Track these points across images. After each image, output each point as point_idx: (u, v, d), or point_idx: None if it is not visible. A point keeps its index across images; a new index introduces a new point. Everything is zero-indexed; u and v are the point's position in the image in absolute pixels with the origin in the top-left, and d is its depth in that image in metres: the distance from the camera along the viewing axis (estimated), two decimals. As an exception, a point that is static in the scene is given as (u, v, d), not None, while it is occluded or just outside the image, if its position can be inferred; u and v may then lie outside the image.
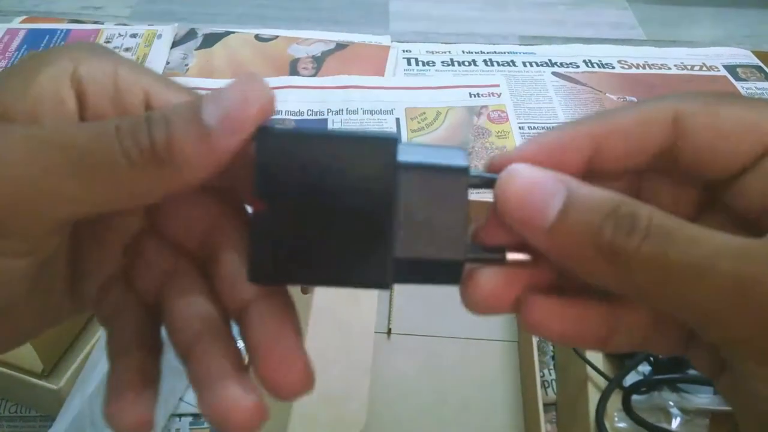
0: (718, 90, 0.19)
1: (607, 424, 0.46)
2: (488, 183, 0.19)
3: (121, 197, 0.17)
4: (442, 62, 0.82)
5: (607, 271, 0.16)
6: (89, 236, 0.21)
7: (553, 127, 0.19)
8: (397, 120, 0.72)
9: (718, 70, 0.83)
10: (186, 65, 0.79)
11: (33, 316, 0.20)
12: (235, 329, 0.20)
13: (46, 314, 0.21)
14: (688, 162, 0.19)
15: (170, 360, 0.46)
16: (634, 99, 0.77)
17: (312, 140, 0.18)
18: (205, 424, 0.46)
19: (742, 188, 0.18)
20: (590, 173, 0.19)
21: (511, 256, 0.19)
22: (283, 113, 0.72)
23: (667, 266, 0.16)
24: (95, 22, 0.87)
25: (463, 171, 0.18)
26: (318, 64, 0.80)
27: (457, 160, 0.19)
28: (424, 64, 0.82)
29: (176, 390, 0.46)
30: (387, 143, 0.18)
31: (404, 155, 0.18)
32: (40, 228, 0.17)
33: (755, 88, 0.80)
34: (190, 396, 0.47)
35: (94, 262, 0.21)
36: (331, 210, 0.18)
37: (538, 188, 0.17)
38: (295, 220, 0.18)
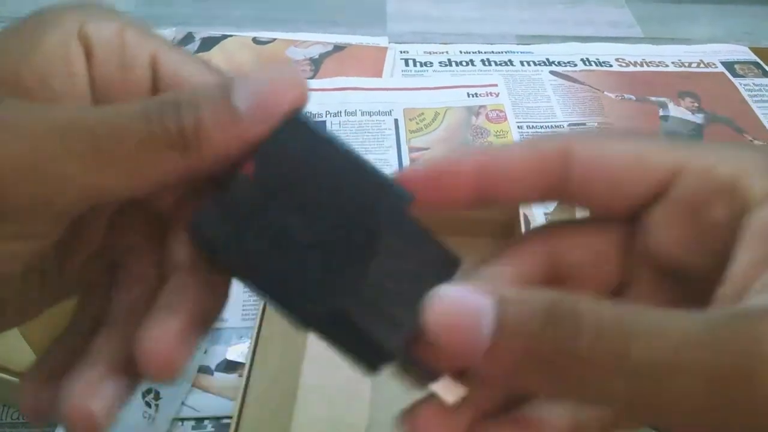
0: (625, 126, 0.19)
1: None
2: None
3: (140, 183, 0.16)
4: (440, 63, 0.82)
5: (561, 384, 0.14)
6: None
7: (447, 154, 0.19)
8: (396, 121, 0.72)
9: (716, 67, 0.83)
10: (184, 69, 0.79)
11: (22, 299, 0.19)
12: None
13: (36, 297, 0.20)
14: (583, 199, 0.18)
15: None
16: (632, 97, 0.77)
17: (333, 150, 0.17)
18: (208, 428, 0.46)
19: (648, 230, 0.18)
20: (481, 202, 0.18)
21: (442, 391, 0.17)
22: (282, 116, 0.72)
23: (629, 368, 0.13)
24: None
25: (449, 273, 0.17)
26: (316, 66, 0.80)
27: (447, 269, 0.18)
28: (421, 65, 0.82)
29: (178, 394, 0.46)
30: (401, 200, 0.17)
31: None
32: (51, 215, 0.16)
33: (753, 84, 0.80)
34: (193, 400, 0.47)
35: (83, 238, 0.20)
36: (310, 223, 0.17)
37: (464, 313, 0.15)
38: (269, 208, 0.17)
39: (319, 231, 0.17)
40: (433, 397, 0.17)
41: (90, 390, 0.17)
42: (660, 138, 0.18)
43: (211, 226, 0.17)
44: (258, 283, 0.17)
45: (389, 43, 0.85)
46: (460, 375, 0.17)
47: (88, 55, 0.18)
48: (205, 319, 0.18)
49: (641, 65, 0.83)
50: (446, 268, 0.17)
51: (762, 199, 0.16)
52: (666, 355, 0.13)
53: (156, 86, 0.19)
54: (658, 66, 0.83)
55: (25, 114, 0.16)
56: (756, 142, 0.72)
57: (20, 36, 0.17)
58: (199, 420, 0.46)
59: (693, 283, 0.18)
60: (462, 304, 0.15)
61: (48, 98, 0.17)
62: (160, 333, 0.16)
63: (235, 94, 0.16)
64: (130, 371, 0.17)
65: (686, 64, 0.83)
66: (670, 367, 0.13)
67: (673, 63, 0.83)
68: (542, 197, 0.18)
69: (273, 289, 0.17)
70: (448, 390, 0.17)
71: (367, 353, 0.17)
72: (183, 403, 0.46)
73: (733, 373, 0.13)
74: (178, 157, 0.16)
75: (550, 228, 0.19)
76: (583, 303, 0.14)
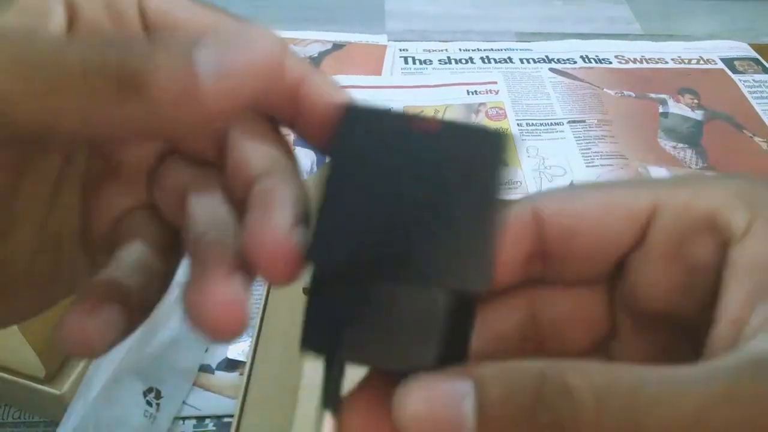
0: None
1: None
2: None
3: (89, 120, 0.14)
4: (440, 60, 0.82)
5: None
6: (103, 174, 0.19)
7: None
8: (396, 119, 0.72)
9: (716, 63, 0.83)
10: (183, 68, 0.79)
11: (45, 275, 0.19)
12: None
13: (59, 272, 0.19)
14: (563, 264, 0.17)
15: (173, 362, 0.46)
16: (632, 94, 0.77)
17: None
18: (209, 426, 0.46)
19: (630, 278, 0.17)
20: None
21: None
22: (281, 114, 0.72)
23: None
24: None
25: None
26: (315, 64, 0.80)
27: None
28: (421, 63, 0.82)
29: (179, 393, 0.46)
30: (496, 138, 0.16)
31: None
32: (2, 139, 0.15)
33: (752, 80, 0.80)
34: (193, 399, 0.47)
35: (112, 197, 0.19)
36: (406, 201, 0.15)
37: (442, 404, 0.13)
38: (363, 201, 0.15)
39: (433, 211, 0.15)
40: None
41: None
42: (628, 181, 0.17)
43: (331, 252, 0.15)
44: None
45: (388, 41, 0.85)
46: None
47: (71, 9, 0.17)
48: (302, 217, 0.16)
49: (641, 62, 0.83)
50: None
51: (744, 232, 0.15)
52: (693, 415, 0.12)
53: (146, 29, 0.17)
54: (657, 63, 0.83)
55: None
56: (756, 138, 0.72)
57: None
58: (201, 419, 0.46)
59: (682, 327, 0.17)
60: (439, 392, 0.13)
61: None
62: (276, 224, 0.15)
63: (199, 53, 0.13)
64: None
65: (686, 61, 0.83)
66: (699, 429, 0.12)
67: (672, 60, 0.83)
68: (523, 272, 0.17)
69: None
70: None
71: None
72: (184, 402, 0.46)
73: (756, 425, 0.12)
74: (117, 100, 0.13)
75: (531, 282, 0.18)
76: (570, 372, 0.13)
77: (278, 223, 0.15)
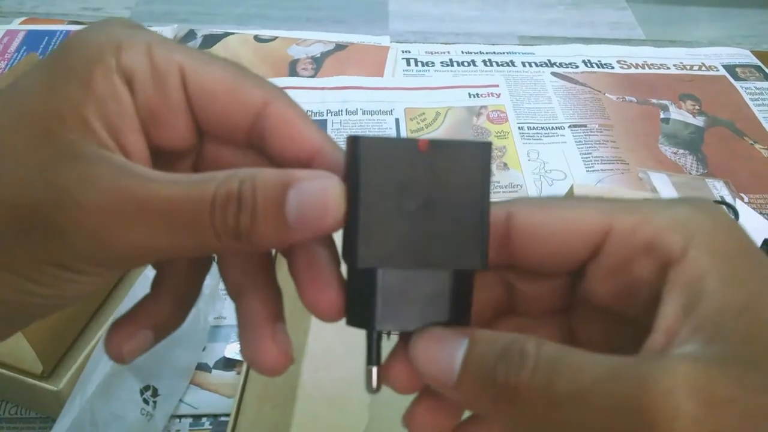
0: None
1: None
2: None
3: (196, 252, 0.19)
4: (442, 62, 0.82)
5: (507, 411, 0.17)
6: None
7: None
8: (397, 120, 0.72)
9: (717, 70, 0.83)
10: (185, 66, 0.79)
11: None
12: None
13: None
14: (523, 262, 0.20)
15: (170, 360, 0.46)
16: (634, 99, 0.77)
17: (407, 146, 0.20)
18: (205, 425, 0.46)
19: (586, 283, 0.20)
20: None
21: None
22: (283, 114, 0.72)
23: (554, 396, 0.16)
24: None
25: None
26: (317, 64, 0.80)
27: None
28: (423, 65, 0.82)
29: (176, 391, 0.46)
30: (483, 148, 0.20)
31: None
32: (119, 263, 0.19)
33: (754, 87, 0.80)
34: (190, 397, 0.47)
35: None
36: (426, 205, 0.20)
37: (442, 344, 0.19)
38: (388, 211, 0.19)
39: (440, 208, 0.20)
40: (426, 396, 0.20)
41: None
42: (592, 200, 0.20)
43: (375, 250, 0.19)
44: (428, 264, 0.20)
45: (391, 42, 0.85)
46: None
47: (130, 87, 0.19)
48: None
49: (643, 67, 0.83)
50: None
51: (680, 255, 0.17)
52: (583, 386, 0.16)
53: (189, 100, 0.20)
54: (659, 68, 0.83)
55: (112, 174, 0.18)
56: (756, 145, 0.72)
57: (70, 78, 0.19)
58: (197, 417, 0.46)
59: (632, 325, 0.20)
60: (441, 340, 0.19)
61: (111, 138, 0.19)
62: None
63: (288, 204, 0.18)
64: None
65: (688, 67, 0.83)
66: (585, 397, 0.16)
67: (674, 65, 0.83)
68: (498, 258, 0.21)
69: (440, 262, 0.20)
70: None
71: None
72: (181, 401, 0.46)
73: (628, 407, 0.15)
74: (231, 243, 0.18)
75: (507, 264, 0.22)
76: (530, 343, 0.17)
77: (268, 343, 0.21)
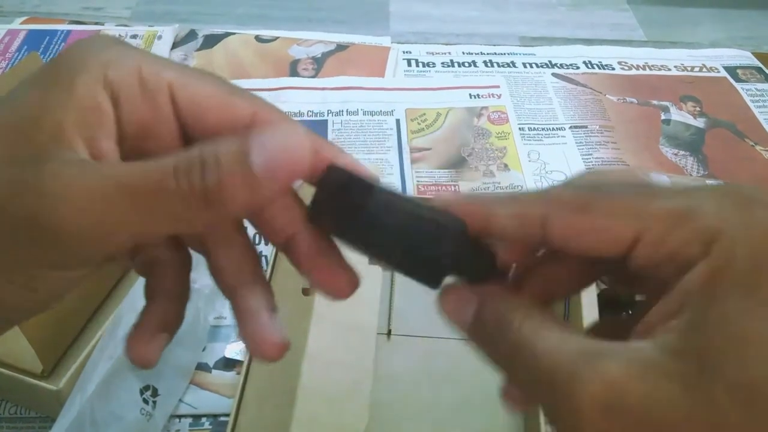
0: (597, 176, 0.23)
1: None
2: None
3: (172, 227, 0.20)
4: (443, 63, 0.82)
5: (493, 358, 0.21)
6: None
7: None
8: (397, 121, 0.72)
9: (719, 72, 0.83)
10: (186, 66, 0.79)
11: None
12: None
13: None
14: (561, 251, 0.22)
15: (170, 360, 0.46)
16: (634, 100, 0.77)
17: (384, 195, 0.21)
18: (205, 425, 0.46)
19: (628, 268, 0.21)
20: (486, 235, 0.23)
21: None
22: (284, 114, 0.72)
23: (521, 364, 0.20)
24: (96, 23, 0.87)
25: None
26: (318, 65, 0.80)
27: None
28: (424, 65, 0.82)
29: (176, 391, 0.46)
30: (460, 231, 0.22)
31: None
32: (101, 253, 0.20)
33: (755, 89, 0.80)
34: (190, 397, 0.47)
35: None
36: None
37: (461, 301, 0.22)
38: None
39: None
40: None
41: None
42: (626, 198, 0.20)
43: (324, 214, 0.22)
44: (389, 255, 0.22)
45: (392, 43, 0.85)
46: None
47: (115, 97, 0.20)
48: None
49: (644, 68, 0.83)
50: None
51: (692, 265, 0.18)
52: (544, 366, 0.19)
53: (177, 114, 0.21)
54: (660, 70, 0.83)
55: (90, 173, 0.19)
56: (757, 147, 0.72)
57: (54, 85, 0.20)
58: (197, 417, 0.46)
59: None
60: (457, 298, 0.23)
61: (85, 144, 0.20)
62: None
63: (253, 155, 0.18)
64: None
65: (689, 68, 0.83)
66: (530, 343, 0.20)
67: (675, 67, 0.83)
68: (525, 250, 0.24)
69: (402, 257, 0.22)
70: None
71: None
72: (181, 401, 0.46)
73: (556, 391, 0.18)
74: (204, 208, 0.18)
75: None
76: (516, 318, 0.21)
77: (267, 331, 0.23)
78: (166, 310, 0.24)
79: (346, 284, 0.23)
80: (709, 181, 0.67)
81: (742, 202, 0.19)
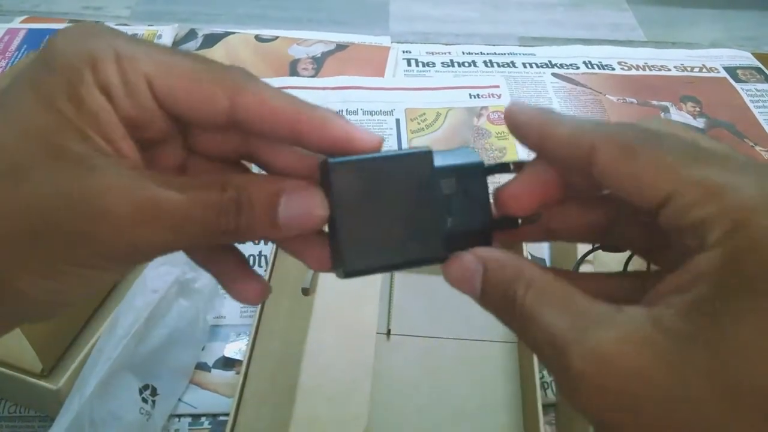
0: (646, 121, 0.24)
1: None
2: (501, 168, 0.25)
3: (198, 246, 0.24)
4: (442, 63, 0.82)
5: (507, 321, 0.22)
6: None
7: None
8: (397, 121, 0.72)
9: (718, 72, 0.83)
10: (186, 65, 0.79)
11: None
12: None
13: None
14: (608, 187, 0.22)
15: (170, 359, 0.46)
16: (634, 100, 0.77)
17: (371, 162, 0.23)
18: (204, 425, 0.46)
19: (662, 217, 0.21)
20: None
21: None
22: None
23: (531, 319, 0.21)
24: (96, 23, 0.87)
25: (480, 165, 0.25)
26: (318, 64, 0.80)
27: (473, 157, 0.25)
28: (424, 65, 0.82)
29: (175, 391, 0.46)
30: (426, 156, 0.23)
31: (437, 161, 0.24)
32: (129, 261, 0.22)
33: (755, 89, 0.80)
34: (189, 396, 0.47)
35: None
36: (390, 210, 0.23)
37: (467, 272, 0.23)
38: (363, 219, 0.23)
39: (401, 211, 0.23)
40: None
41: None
42: (675, 151, 0.20)
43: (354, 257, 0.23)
44: (397, 264, 0.24)
45: (392, 42, 0.85)
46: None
47: (109, 99, 0.21)
48: None
49: (643, 69, 0.83)
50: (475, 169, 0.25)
51: (711, 246, 0.18)
52: (542, 338, 0.20)
53: (160, 105, 0.22)
54: (660, 70, 0.83)
55: (128, 183, 0.20)
56: (757, 147, 0.72)
57: (58, 94, 0.20)
58: (196, 417, 0.46)
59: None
60: (464, 265, 0.23)
61: (108, 146, 0.21)
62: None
63: (281, 211, 0.22)
64: None
65: (688, 69, 0.83)
66: (534, 314, 0.20)
67: (675, 67, 0.83)
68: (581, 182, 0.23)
69: (407, 260, 0.24)
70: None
71: (477, 239, 0.24)
72: (180, 400, 0.46)
73: (555, 357, 0.20)
74: (228, 238, 0.22)
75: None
76: (521, 286, 0.21)
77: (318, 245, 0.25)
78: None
79: (323, 256, 0.24)
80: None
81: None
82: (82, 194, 0.20)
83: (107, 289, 0.47)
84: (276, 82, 0.76)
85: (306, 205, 0.22)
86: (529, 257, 0.54)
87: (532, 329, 0.21)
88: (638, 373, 0.18)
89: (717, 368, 0.17)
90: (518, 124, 0.23)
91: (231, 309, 0.52)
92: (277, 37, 0.84)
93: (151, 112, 0.22)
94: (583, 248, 0.47)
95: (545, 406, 0.45)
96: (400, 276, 0.50)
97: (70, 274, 0.21)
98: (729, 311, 0.17)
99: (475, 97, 0.76)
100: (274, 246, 0.51)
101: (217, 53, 0.82)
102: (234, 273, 0.25)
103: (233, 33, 0.84)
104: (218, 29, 0.85)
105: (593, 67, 0.83)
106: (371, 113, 0.73)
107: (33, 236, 0.20)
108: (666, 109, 0.76)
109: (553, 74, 0.81)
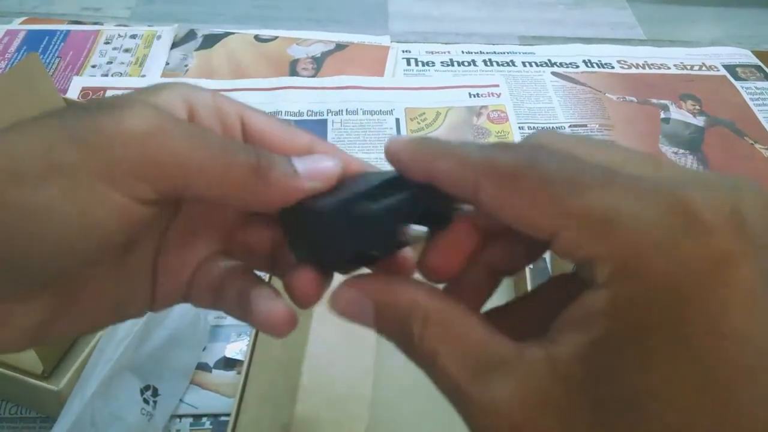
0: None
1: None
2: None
3: (220, 186, 0.22)
4: (442, 62, 0.82)
5: (409, 355, 0.21)
6: (181, 238, 0.25)
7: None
8: (397, 120, 0.72)
9: (718, 70, 0.83)
10: (186, 66, 0.79)
11: (109, 298, 0.24)
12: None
13: (118, 298, 0.24)
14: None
15: (171, 360, 0.46)
16: (634, 99, 0.77)
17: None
18: (206, 425, 0.46)
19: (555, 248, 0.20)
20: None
21: None
22: (283, 114, 0.72)
23: (427, 362, 0.20)
24: (95, 23, 0.86)
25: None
26: (317, 64, 0.80)
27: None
28: (423, 65, 0.82)
29: (177, 391, 0.46)
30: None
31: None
32: (162, 184, 0.21)
33: (755, 87, 0.80)
34: (190, 397, 0.47)
35: (193, 248, 0.26)
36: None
37: (356, 306, 0.22)
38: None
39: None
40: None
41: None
42: (558, 179, 0.18)
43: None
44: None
45: (391, 42, 0.85)
46: None
47: (191, 111, 0.23)
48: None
49: (643, 67, 0.83)
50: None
51: (597, 287, 0.17)
52: (433, 342, 0.20)
53: (244, 137, 0.24)
54: (659, 68, 0.83)
55: (178, 124, 0.22)
56: (757, 145, 0.72)
57: (141, 93, 0.23)
58: (197, 417, 0.46)
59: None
60: (354, 300, 0.22)
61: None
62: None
63: (296, 162, 0.23)
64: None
65: (688, 67, 0.83)
66: (433, 355, 0.20)
67: (675, 65, 0.83)
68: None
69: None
70: None
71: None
72: (181, 400, 0.46)
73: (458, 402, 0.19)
74: (251, 181, 0.22)
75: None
76: (417, 324, 0.20)
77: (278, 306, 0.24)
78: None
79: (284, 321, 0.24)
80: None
81: (689, 222, 0.16)
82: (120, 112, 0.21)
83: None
84: (275, 82, 0.76)
85: (315, 159, 0.23)
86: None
87: (433, 372, 0.20)
88: (534, 430, 0.17)
89: (609, 422, 0.17)
90: (402, 162, 0.22)
91: (232, 309, 0.52)
92: (276, 37, 0.84)
93: (232, 131, 0.24)
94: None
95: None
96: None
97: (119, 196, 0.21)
98: (621, 361, 0.17)
99: (474, 96, 0.76)
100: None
101: (216, 53, 0.82)
102: (268, 295, 0.24)
103: (233, 33, 0.84)
104: (218, 29, 0.85)
105: (593, 66, 0.83)
106: (371, 113, 0.73)
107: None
108: (666, 108, 0.76)
109: (553, 73, 0.81)
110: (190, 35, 0.84)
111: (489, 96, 0.76)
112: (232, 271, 0.26)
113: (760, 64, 0.84)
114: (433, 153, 0.21)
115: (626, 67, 0.83)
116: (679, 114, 0.76)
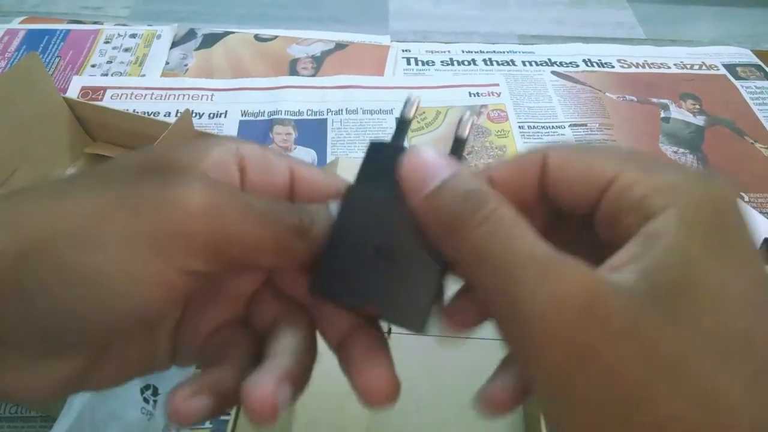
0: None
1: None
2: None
3: (273, 256, 0.22)
4: (442, 62, 0.82)
5: (449, 241, 0.21)
6: (203, 298, 0.25)
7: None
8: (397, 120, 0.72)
9: (718, 69, 0.83)
10: (185, 65, 0.79)
11: (136, 355, 0.24)
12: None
13: (145, 356, 0.25)
14: (555, 200, 0.23)
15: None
16: (634, 98, 0.77)
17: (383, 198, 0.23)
18: (206, 424, 0.46)
19: (595, 222, 0.22)
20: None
21: None
22: (283, 113, 0.72)
23: (487, 251, 0.19)
24: (95, 23, 0.87)
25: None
26: (317, 64, 0.80)
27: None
28: (423, 64, 0.82)
29: (177, 390, 0.46)
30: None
31: None
32: (215, 259, 0.21)
33: (754, 87, 0.80)
34: (191, 396, 0.47)
35: (211, 313, 0.26)
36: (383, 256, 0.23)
37: (429, 166, 0.21)
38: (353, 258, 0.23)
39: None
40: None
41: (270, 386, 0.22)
42: (616, 152, 0.22)
43: (323, 285, 0.24)
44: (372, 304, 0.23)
45: (391, 41, 0.85)
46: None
47: (242, 167, 0.24)
48: (300, 374, 0.24)
49: (643, 66, 0.83)
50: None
51: (657, 214, 0.19)
52: (508, 256, 0.19)
53: (293, 189, 0.25)
54: (660, 67, 0.83)
55: (228, 191, 0.22)
56: (757, 144, 0.72)
57: (195, 147, 0.23)
58: (198, 416, 0.46)
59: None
60: (430, 162, 0.21)
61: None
62: (261, 380, 0.21)
63: (333, 208, 0.23)
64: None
65: (688, 66, 0.83)
66: (506, 261, 0.19)
67: (675, 65, 0.83)
68: (528, 196, 0.23)
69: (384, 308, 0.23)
70: None
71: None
72: (181, 400, 0.46)
73: (506, 287, 0.19)
74: (293, 242, 0.22)
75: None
76: (493, 201, 0.20)
77: (265, 382, 0.21)
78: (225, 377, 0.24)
79: (387, 398, 0.23)
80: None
81: (702, 175, 0.20)
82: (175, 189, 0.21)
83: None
84: (275, 81, 0.76)
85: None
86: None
87: (482, 267, 0.19)
88: (604, 318, 0.17)
89: (696, 315, 0.18)
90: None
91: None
92: (276, 37, 0.84)
93: (278, 190, 0.25)
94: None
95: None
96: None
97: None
98: (693, 265, 0.18)
99: (474, 96, 0.76)
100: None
101: (216, 53, 0.82)
102: (373, 355, 0.24)
103: (232, 32, 0.84)
104: (217, 29, 0.85)
105: (593, 65, 0.83)
106: (371, 112, 0.73)
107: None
108: (666, 107, 0.76)
109: (553, 72, 0.81)
110: (190, 34, 0.84)
111: (489, 95, 0.76)
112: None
113: (761, 63, 0.84)
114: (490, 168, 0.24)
115: (626, 66, 0.83)
116: (679, 113, 0.76)
